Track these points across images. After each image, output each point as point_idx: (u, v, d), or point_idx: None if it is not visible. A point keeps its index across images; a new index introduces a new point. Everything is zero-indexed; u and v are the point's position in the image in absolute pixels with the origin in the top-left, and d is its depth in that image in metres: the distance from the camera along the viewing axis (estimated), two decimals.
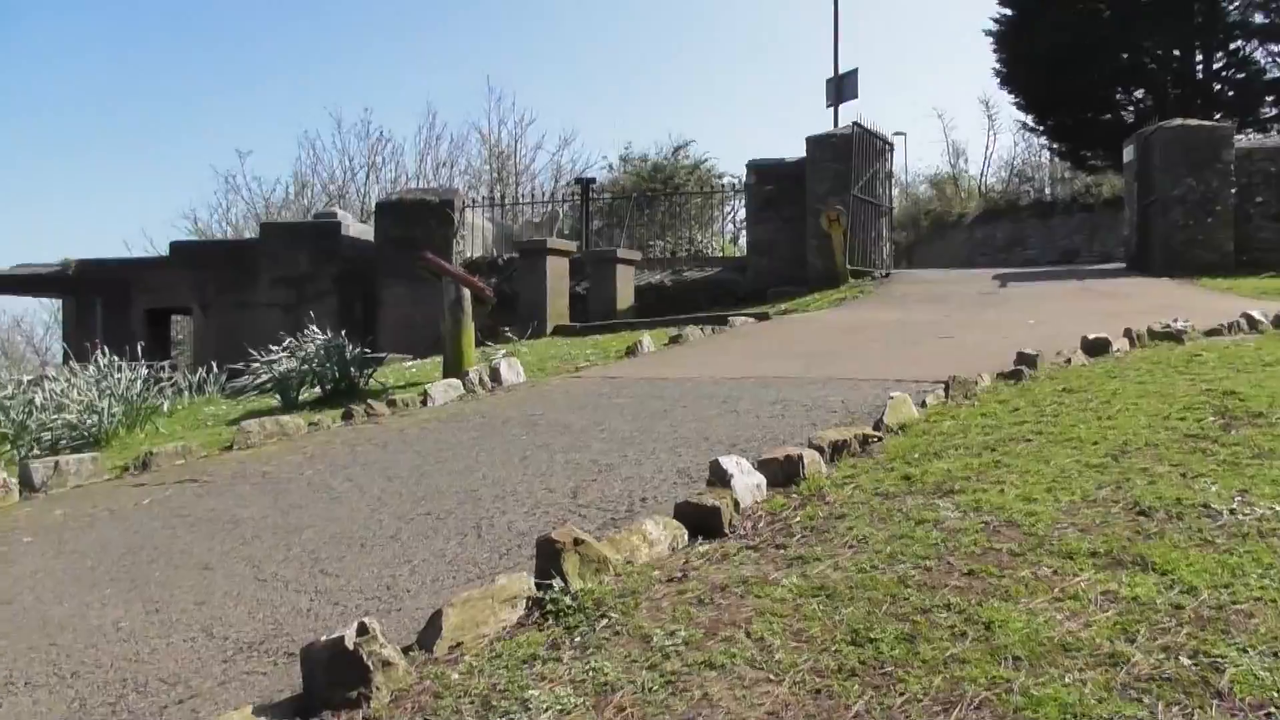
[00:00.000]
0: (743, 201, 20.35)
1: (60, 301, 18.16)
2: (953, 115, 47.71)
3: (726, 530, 3.76)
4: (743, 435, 5.69)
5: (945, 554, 3.28)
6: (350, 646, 2.65)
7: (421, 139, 31.20)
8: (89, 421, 8.16)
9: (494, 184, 26.14)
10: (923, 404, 5.68)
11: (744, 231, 21.04)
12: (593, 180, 20.43)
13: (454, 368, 9.13)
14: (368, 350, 10.22)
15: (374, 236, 16.77)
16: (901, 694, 2.43)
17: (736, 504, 3.95)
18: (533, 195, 22.89)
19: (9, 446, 8.25)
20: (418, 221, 16.09)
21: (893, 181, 19.04)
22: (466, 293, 9.41)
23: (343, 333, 10.22)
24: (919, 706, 2.37)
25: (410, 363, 12.24)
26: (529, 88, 79.52)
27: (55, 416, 8.29)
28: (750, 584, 3.17)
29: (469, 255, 16.79)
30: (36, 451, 7.79)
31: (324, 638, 2.72)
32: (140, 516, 5.24)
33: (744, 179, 17.75)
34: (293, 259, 16.16)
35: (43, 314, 25.10)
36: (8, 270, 17.46)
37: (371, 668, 2.65)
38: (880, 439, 4.96)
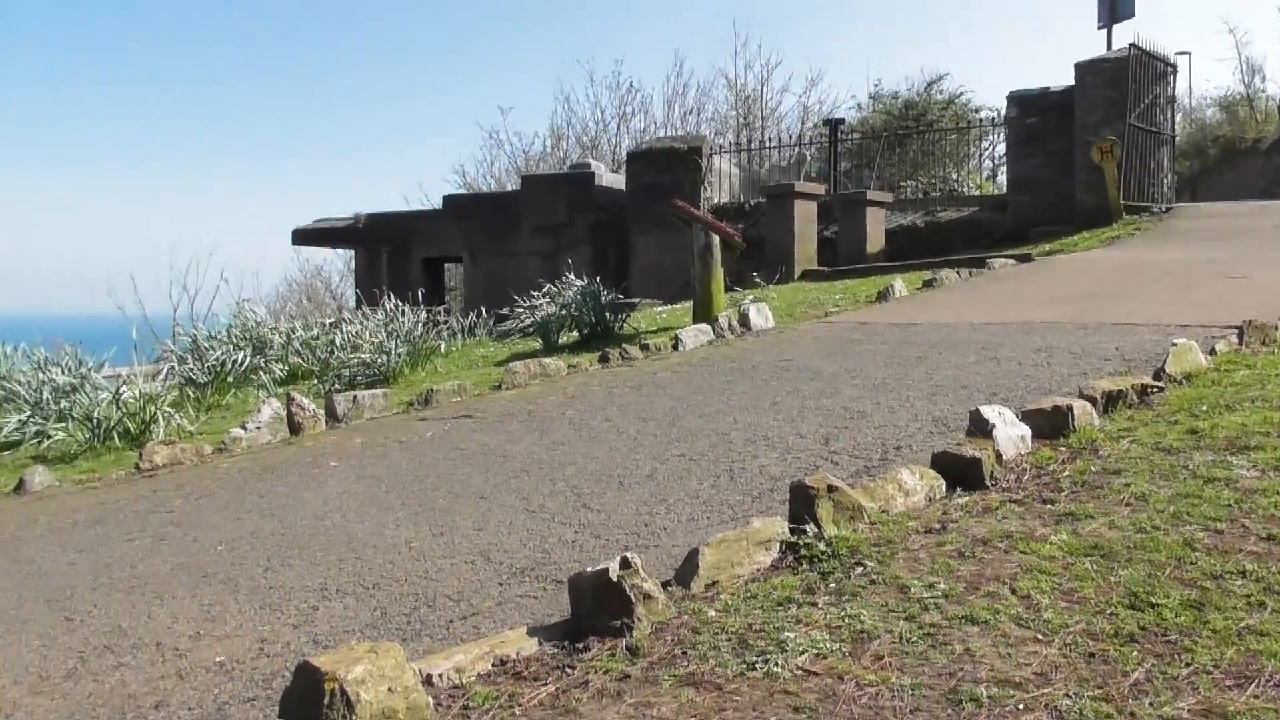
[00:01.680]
0: (1002, 136, 19.04)
1: (352, 252, 20.03)
2: (1247, 29, 42.17)
3: (988, 482, 3.62)
4: (1003, 384, 5.42)
5: (1239, 516, 2.99)
6: (614, 578, 2.80)
7: (669, 87, 31.43)
8: (379, 360, 9.01)
9: (740, 129, 25.99)
10: (1212, 351, 5.16)
11: (1003, 168, 19.71)
12: (841, 121, 19.83)
13: (703, 313, 9.26)
14: (621, 296, 10.57)
15: (625, 185, 17.21)
16: (1188, 664, 2.27)
17: (998, 455, 3.79)
18: (779, 139, 22.56)
19: (315, 381, 9.29)
20: (666, 169, 16.34)
21: (1175, 107, 17.12)
22: (715, 238, 9.48)
23: (597, 279, 10.62)
24: (1208, 679, 2.20)
25: (661, 308, 12.53)
26: (775, 29, 78.08)
27: (352, 355, 9.23)
28: (1015, 539, 3.04)
29: (716, 201, 16.86)
30: (337, 386, 8.71)
31: (589, 569, 2.89)
32: (424, 448, 5.75)
33: (1003, 112, 16.58)
34: (550, 209, 16.92)
35: (338, 263, 27.76)
36: (309, 225, 19.46)
37: (634, 600, 2.79)
38: (1161, 389, 4.56)
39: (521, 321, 10.69)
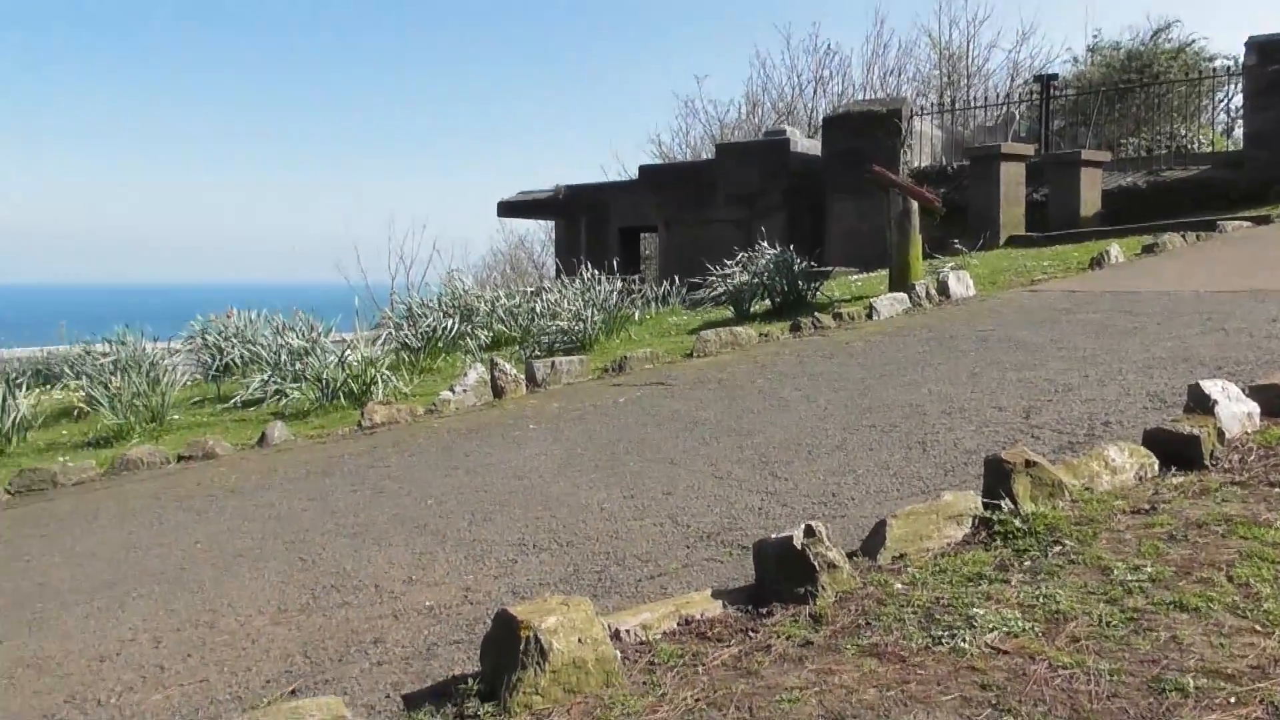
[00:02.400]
0: (1239, 86, 17.24)
1: (553, 222, 20.72)
2: None
3: (1207, 462, 3.37)
4: (1231, 357, 4.99)
5: None
6: (798, 546, 2.82)
7: (869, 48, 30.44)
8: (576, 328, 9.32)
9: (943, 89, 24.84)
10: None
11: (1239, 122, 17.85)
12: (1054, 76, 18.56)
13: (900, 281, 9.01)
14: (814, 264, 10.44)
15: (820, 151, 16.87)
16: None
17: (1220, 433, 3.52)
18: (985, 98, 21.41)
19: (517, 347, 9.73)
20: (864, 133, 15.88)
21: None
22: (914, 204, 9.17)
23: (790, 247, 10.52)
24: None
25: (856, 276, 12.27)
26: None
27: (551, 323, 9.59)
28: (1235, 523, 2.83)
29: (916, 165, 16.26)
30: (536, 352, 9.10)
31: (774, 535, 2.92)
32: (617, 413, 5.93)
33: (1241, 60, 15.02)
34: (744, 177, 16.84)
35: (540, 234, 28.76)
36: (513, 197, 20.27)
37: (818, 568, 2.80)
38: None
39: (713, 290, 10.76)
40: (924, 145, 17.18)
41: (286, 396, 8.08)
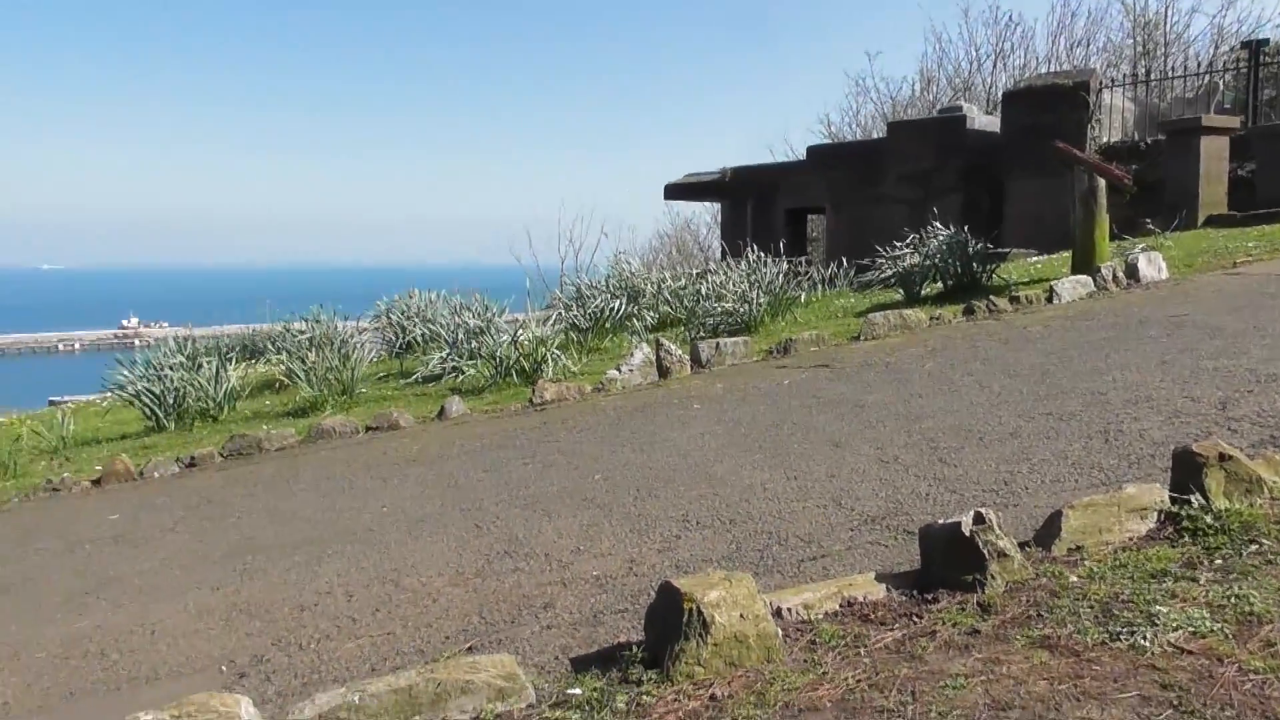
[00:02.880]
0: None
1: (719, 204, 20.73)
2: None
3: None
4: None
5: None
6: (966, 533, 2.76)
7: (1054, 18, 28.79)
8: (741, 310, 9.33)
9: (1137, 59, 23.20)
10: None
11: None
12: (1265, 42, 17.00)
13: (1084, 263, 8.54)
14: (990, 245, 10.02)
15: (1000, 127, 16.14)
16: None
17: None
18: (1185, 67, 19.91)
19: (682, 328, 9.84)
20: (1047, 108, 15.06)
21: None
22: (1100, 182, 8.66)
23: (965, 228, 10.15)
24: None
25: (1036, 258, 11.72)
26: None
27: (715, 305, 9.63)
28: None
29: (1105, 140, 15.28)
30: (701, 333, 9.16)
31: (941, 521, 2.87)
32: (781, 395, 5.92)
33: None
34: (917, 155, 16.31)
35: (705, 216, 28.83)
36: (680, 180, 20.39)
37: (987, 556, 2.74)
38: None
39: (882, 272, 10.52)
40: (1114, 119, 16.15)
41: (463, 373, 8.48)
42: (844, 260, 12.17)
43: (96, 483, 6.24)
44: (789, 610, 2.76)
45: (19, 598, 4.16)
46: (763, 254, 10.57)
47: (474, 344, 8.73)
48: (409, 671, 2.56)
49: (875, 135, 22.61)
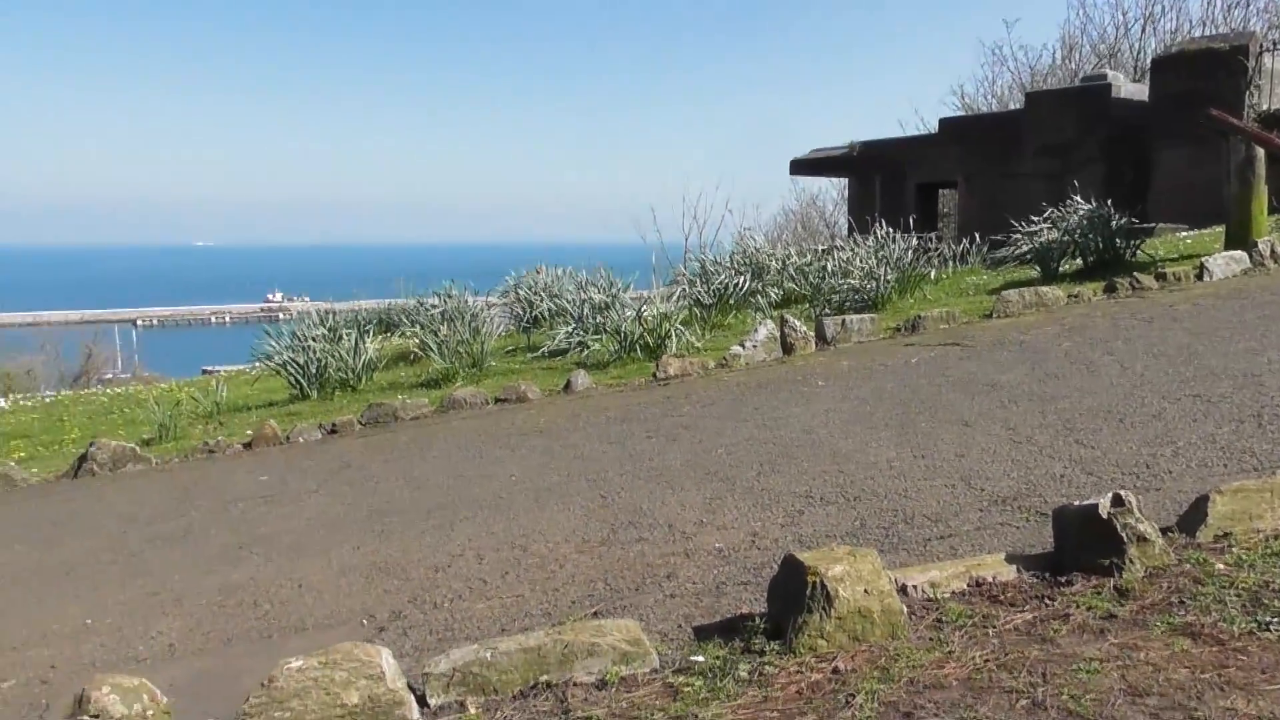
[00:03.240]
0: None
1: (846, 180, 20.36)
2: None
3: None
4: None
5: None
6: (1104, 515, 2.67)
7: None
8: (868, 286, 9.17)
9: None
10: None
11: None
12: None
13: (1239, 238, 8.04)
14: (1135, 220, 9.54)
15: (1148, 96, 15.27)
16: None
17: None
18: None
19: (806, 305, 9.74)
20: (1201, 74, 14.16)
21: None
22: (1259, 152, 8.12)
23: (1108, 201, 9.68)
24: None
25: (1184, 233, 11.09)
26: None
27: (842, 281, 9.50)
28: None
29: (1266, 108, 14.27)
30: (826, 310, 9.05)
31: (1077, 503, 2.79)
32: (909, 373, 5.80)
33: None
34: (1057, 126, 15.60)
35: (831, 192, 28.37)
36: (806, 155, 20.10)
37: (1125, 540, 2.64)
38: None
39: (1018, 248, 10.14)
40: (1275, 86, 15.06)
41: (588, 348, 8.62)
42: (976, 236, 11.79)
43: (247, 446, 6.63)
44: (915, 588, 2.73)
45: (181, 549, 4.48)
46: (891, 230, 10.34)
47: (599, 319, 8.86)
48: (537, 632, 2.65)
49: (1012, 106, 21.73)
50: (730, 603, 3.01)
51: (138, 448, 6.76)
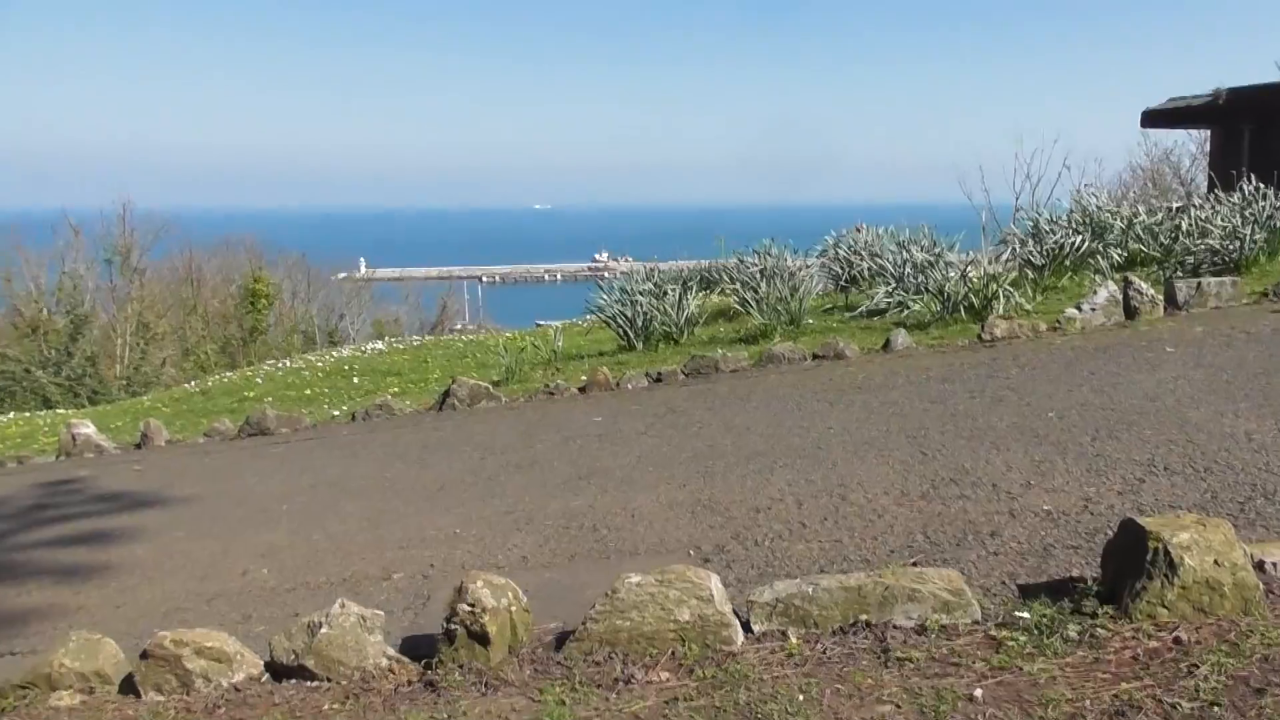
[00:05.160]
0: None
1: (1207, 132, 18.13)
2: None
3: None
4: None
5: None
6: None
7: None
8: (1229, 247, 8.22)
9: None
10: None
11: None
12: None
13: None
14: None
15: None
16: None
17: None
18: None
19: (1155, 267, 8.91)
20: None
21: None
22: None
23: None
24: None
25: None
26: None
27: (1198, 242, 8.58)
28: None
29: None
30: (1179, 273, 8.23)
31: None
32: (1275, 341, 5.19)
33: None
34: None
35: (1189, 145, 25.36)
36: (1161, 105, 18.10)
37: None
38: None
39: None
40: None
41: (908, 308, 8.46)
42: None
43: (582, 390, 7.23)
44: (1274, 565, 2.53)
45: (529, 476, 5.02)
46: (1262, 185, 9.16)
47: (920, 279, 8.65)
48: (858, 574, 2.75)
49: None
50: (1059, 565, 2.94)
51: (490, 387, 7.58)
